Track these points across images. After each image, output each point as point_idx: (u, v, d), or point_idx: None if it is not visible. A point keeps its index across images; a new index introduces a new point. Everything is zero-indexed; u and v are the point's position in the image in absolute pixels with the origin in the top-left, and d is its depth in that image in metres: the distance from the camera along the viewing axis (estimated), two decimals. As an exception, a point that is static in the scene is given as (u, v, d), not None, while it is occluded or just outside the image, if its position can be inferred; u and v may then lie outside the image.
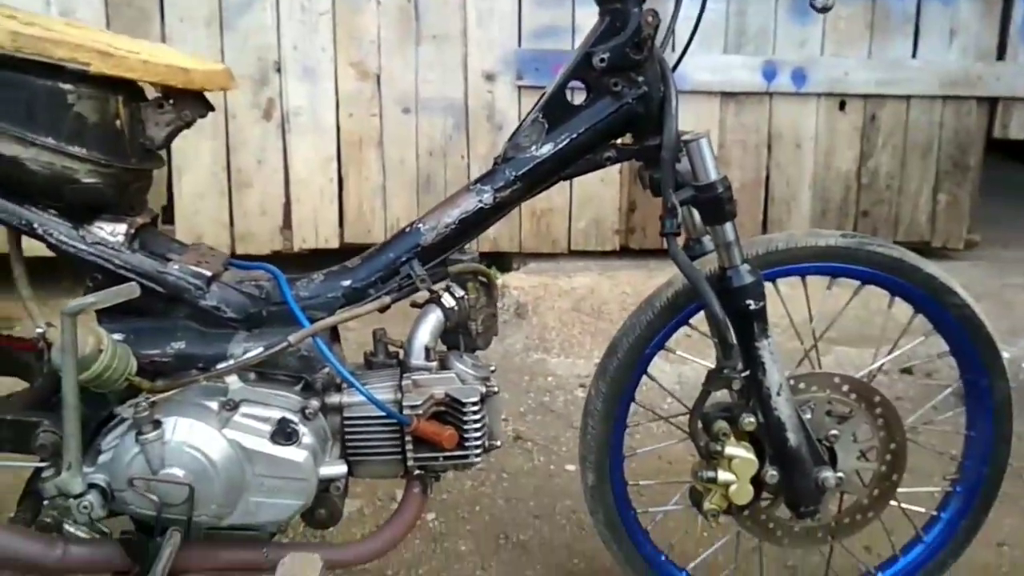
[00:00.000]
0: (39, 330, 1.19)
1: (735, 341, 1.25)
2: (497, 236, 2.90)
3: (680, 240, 1.21)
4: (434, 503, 1.89)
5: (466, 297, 1.34)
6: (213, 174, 2.78)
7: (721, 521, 1.39)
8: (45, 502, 1.18)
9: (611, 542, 1.46)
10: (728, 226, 1.24)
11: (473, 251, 1.37)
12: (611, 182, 3.00)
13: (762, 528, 1.43)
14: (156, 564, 1.12)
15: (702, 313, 1.37)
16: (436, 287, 1.31)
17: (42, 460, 1.21)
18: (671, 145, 1.21)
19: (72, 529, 1.21)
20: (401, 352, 1.36)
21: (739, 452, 1.33)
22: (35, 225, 1.16)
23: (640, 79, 1.23)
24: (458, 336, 1.36)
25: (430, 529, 1.81)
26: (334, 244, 2.92)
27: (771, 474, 1.34)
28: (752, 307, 1.25)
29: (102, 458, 1.18)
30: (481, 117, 2.90)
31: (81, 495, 1.16)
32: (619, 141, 1.28)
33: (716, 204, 1.23)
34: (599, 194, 3.00)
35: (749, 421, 1.32)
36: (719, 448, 1.33)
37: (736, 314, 1.25)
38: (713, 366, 1.33)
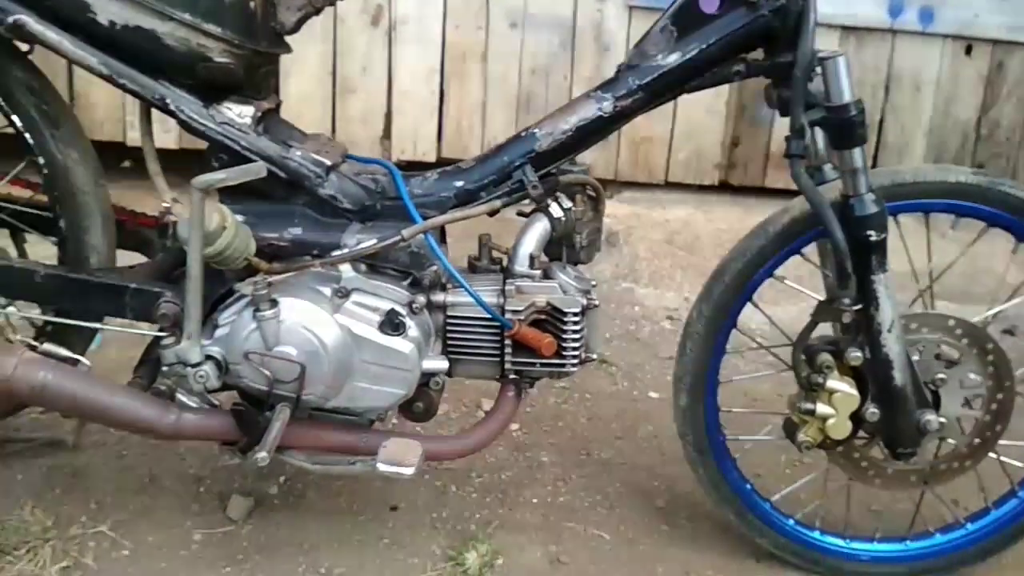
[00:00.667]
0: (165, 205, 1.24)
1: (852, 272, 1.21)
2: (593, 162, 2.85)
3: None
4: (518, 415, 1.92)
5: (573, 209, 1.33)
6: (319, 79, 2.79)
7: (813, 454, 1.38)
8: (164, 368, 1.24)
9: (698, 465, 1.46)
10: (857, 151, 1.20)
11: (584, 163, 1.36)
12: (716, 114, 2.91)
13: (854, 466, 1.41)
14: (267, 435, 1.17)
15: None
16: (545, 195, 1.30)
17: (161, 329, 1.26)
18: (805, 62, 1.16)
19: (184, 399, 1.28)
20: (505, 259, 1.37)
21: (841, 386, 1.31)
22: (167, 100, 1.20)
23: (779, -10, 1.18)
24: (561, 248, 1.36)
25: (514, 439, 1.84)
26: (431, 158, 2.93)
27: (871, 412, 1.32)
28: (873, 238, 1.22)
29: (219, 332, 1.23)
30: (588, 37, 2.84)
31: (198, 365, 1.21)
32: (749, 56, 1.24)
33: (848, 127, 1.18)
34: (702, 125, 2.92)
35: (855, 356, 1.29)
36: (821, 380, 1.31)
37: (855, 245, 1.22)
38: (820, 299, 1.30)
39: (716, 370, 1.41)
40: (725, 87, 2.92)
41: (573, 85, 2.89)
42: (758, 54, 1.25)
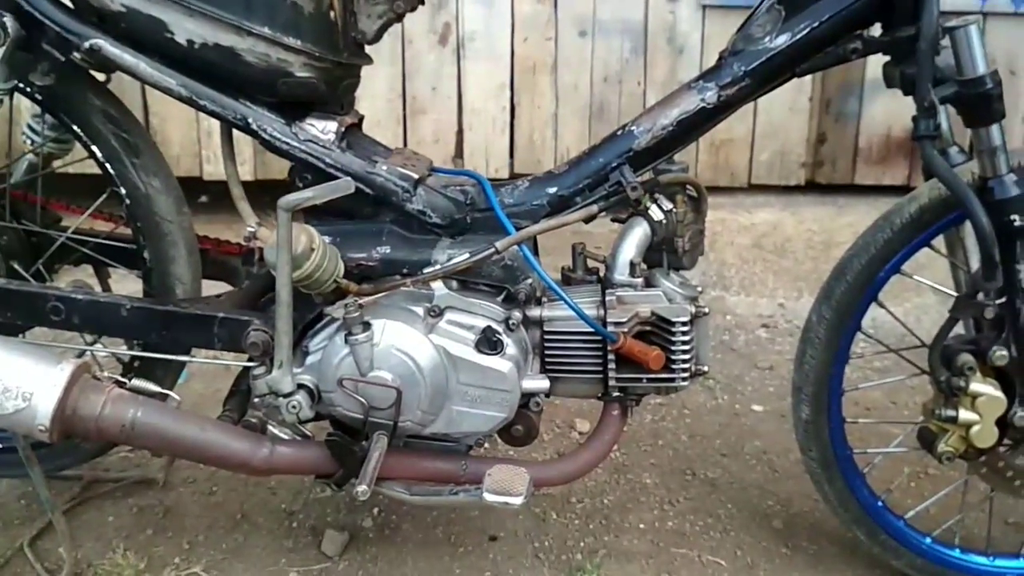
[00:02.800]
0: (250, 229, 1.19)
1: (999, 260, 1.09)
2: (671, 168, 2.76)
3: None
4: (615, 434, 1.83)
5: (674, 210, 1.24)
6: (389, 101, 2.76)
7: (947, 466, 1.26)
8: (255, 400, 1.19)
9: (823, 482, 1.35)
10: (995, 128, 1.09)
11: (683, 162, 1.27)
12: (799, 111, 2.79)
13: (999, 476, 1.29)
14: (365, 466, 1.10)
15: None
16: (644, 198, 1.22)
17: (251, 359, 1.21)
18: (931, 35, 1.06)
19: (276, 431, 1.22)
20: (601, 268, 1.29)
21: (986, 389, 1.19)
22: (249, 120, 1.15)
23: (896, -42, 1.08)
24: (662, 253, 1.27)
25: (613, 460, 1.74)
26: (504, 174, 2.87)
27: (1020, 416, 1.20)
28: (1017, 223, 1.10)
29: (310, 359, 1.18)
30: (661, 40, 2.75)
31: (290, 394, 1.15)
32: (865, 32, 1.14)
33: (984, 102, 1.07)
34: (785, 124, 2.80)
35: (1001, 355, 1.17)
36: (962, 384, 1.18)
37: (996, 231, 1.10)
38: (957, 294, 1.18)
39: (840, 378, 1.30)
40: (807, 81, 2.81)
41: (647, 90, 2.80)
42: (874, 29, 1.15)
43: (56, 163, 1.46)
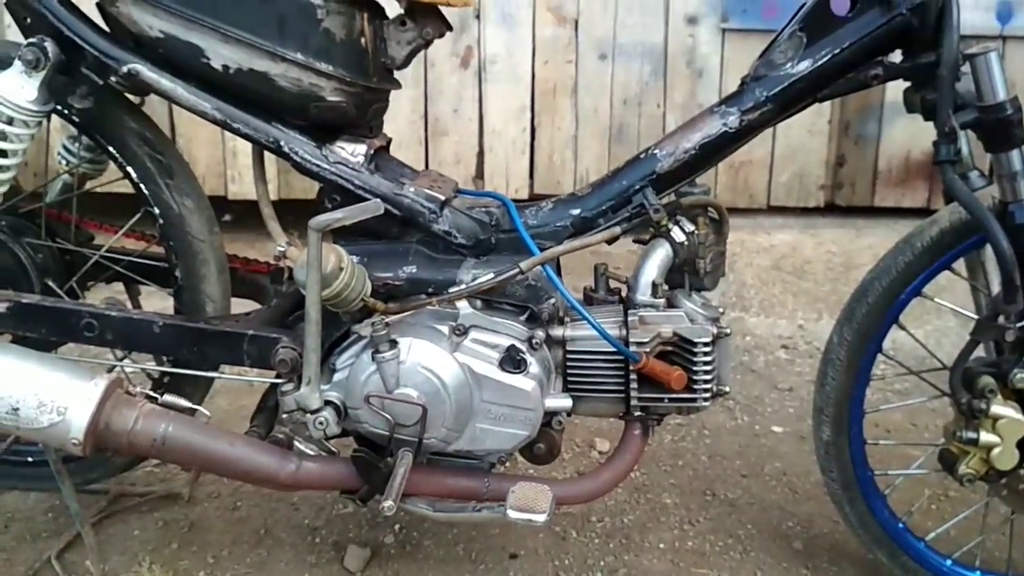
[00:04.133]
0: (280, 249, 1.21)
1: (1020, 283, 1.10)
2: (690, 189, 2.78)
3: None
4: (635, 454, 1.84)
5: (696, 232, 1.26)
6: (411, 122, 2.80)
7: (968, 487, 1.26)
8: (283, 415, 1.21)
9: (844, 503, 1.36)
10: (1016, 153, 1.10)
11: (705, 184, 1.29)
12: (818, 133, 2.80)
13: (1020, 498, 1.29)
14: (391, 482, 1.12)
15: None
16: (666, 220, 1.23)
17: (279, 376, 1.23)
18: (951, 61, 1.08)
19: (302, 446, 1.24)
20: (623, 288, 1.30)
21: (1007, 411, 1.19)
22: (281, 143, 1.18)
23: (917, -13, 1.10)
24: (683, 274, 1.29)
25: (632, 480, 1.75)
26: (523, 195, 2.89)
27: (1041, 438, 1.19)
28: (1038, 248, 1.11)
29: (337, 376, 1.20)
30: (680, 63, 2.77)
31: (317, 411, 1.17)
32: (886, 59, 1.16)
33: (1004, 128, 1.09)
34: (804, 146, 2.81)
35: (1021, 377, 1.18)
36: (983, 406, 1.19)
37: (1017, 254, 1.11)
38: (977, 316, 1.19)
39: (861, 400, 1.31)
40: (826, 103, 2.82)
41: (667, 113, 2.83)
42: (895, 56, 1.17)
43: (90, 183, 1.50)
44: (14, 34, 1.33)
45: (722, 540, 1.57)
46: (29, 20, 1.19)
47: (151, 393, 1.23)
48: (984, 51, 1.08)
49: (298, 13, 1.11)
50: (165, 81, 1.16)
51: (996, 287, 1.22)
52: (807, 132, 2.79)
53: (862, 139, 2.83)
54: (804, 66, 1.14)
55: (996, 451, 1.20)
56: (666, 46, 2.77)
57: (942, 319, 1.38)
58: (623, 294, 1.30)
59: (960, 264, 1.28)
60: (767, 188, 2.86)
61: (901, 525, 1.37)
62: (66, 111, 1.26)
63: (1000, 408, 1.19)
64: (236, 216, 2.58)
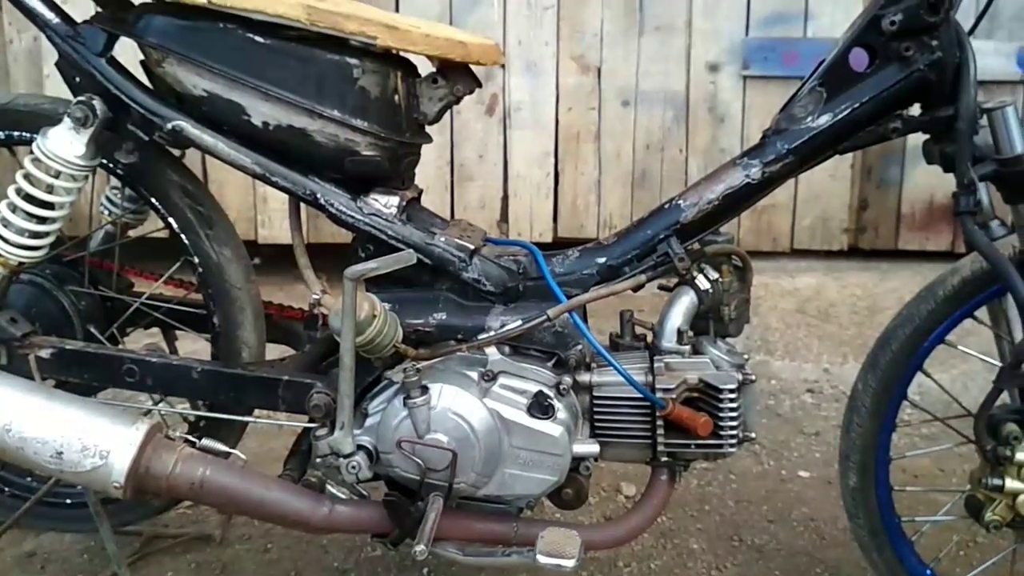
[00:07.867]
0: (315, 296, 1.25)
1: (1042, 332, 1.12)
2: (713, 233, 2.81)
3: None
4: (661, 498, 1.84)
5: (720, 280, 1.28)
6: (437, 168, 2.87)
7: (1003, 533, 1.26)
8: (318, 460, 1.23)
9: (871, 550, 1.36)
10: (1034, 204, 1.12)
11: (728, 233, 1.32)
12: (841, 177, 2.83)
13: (1049, 547, 1.28)
14: (423, 526, 1.14)
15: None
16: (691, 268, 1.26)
17: (312, 420, 1.26)
18: (968, 115, 1.10)
19: (334, 490, 1.26)
20: (649, 335, 1.32)
21: (1033, 459, 1.19)
22: (318, 195, 1.22)
23: (934, 43, 1.13)
24: (708, 321, 1.31)
25: (659, 525, 1.75)
26: (547, 239, 2.94)
27: (1068, 486, 1.19)
28: (1059, 296, 1.12)
29: (369, 421, 1.22)
30: (702, 109, 2.82)
31: (350, 455, 1.20)
32: (905, 112, 1.19)
33: (1022, 180, 1.10)
34: (827, 190, 2.84)
35: (1046, 425, 1.18)
36: (1008, 453, 1.19)
37: (1038, 304, 1.12)
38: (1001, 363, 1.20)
39: (887, 446, 1.32)
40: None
41: (688, 158, 2.87)
42: (913, 109, 1.20)
43: (131, 232, 1.55)
44: (54, 86, 1.39)
45: (749, 586, 1.57)
46: (78, 79, 1.25)
47: (190, 437, 1.26)
48: (1001, 106, 1.11)
49: (336, 72, 1.16)
50: (207, 137, 1.21)
51: (1019, 335, 1.23)
52: (829, 176, 2.82)
53: (885, 183, 2.86)
54: (824, 120, 1.17)
55: (1022, 498, 1.20)
56: (688, 93, 2.83)
57: (968, 363, 1.38)
58: (649, 340, 1.32)
59: (983, 311, 1.29)
60: (790, 232, 2.89)
61: (929, 572, 1.36)
62: (111, 165, 1.31)
63: (1025, 455, 1.19)
64: (265, 260, 2.64)
